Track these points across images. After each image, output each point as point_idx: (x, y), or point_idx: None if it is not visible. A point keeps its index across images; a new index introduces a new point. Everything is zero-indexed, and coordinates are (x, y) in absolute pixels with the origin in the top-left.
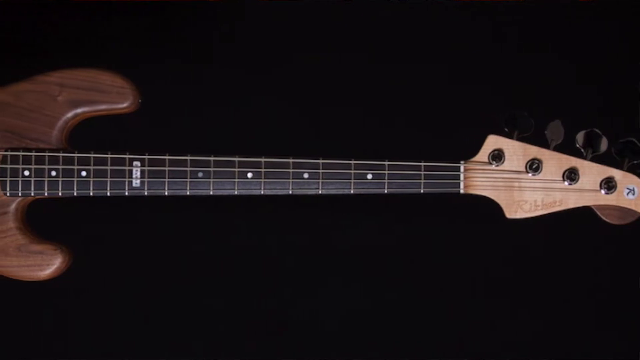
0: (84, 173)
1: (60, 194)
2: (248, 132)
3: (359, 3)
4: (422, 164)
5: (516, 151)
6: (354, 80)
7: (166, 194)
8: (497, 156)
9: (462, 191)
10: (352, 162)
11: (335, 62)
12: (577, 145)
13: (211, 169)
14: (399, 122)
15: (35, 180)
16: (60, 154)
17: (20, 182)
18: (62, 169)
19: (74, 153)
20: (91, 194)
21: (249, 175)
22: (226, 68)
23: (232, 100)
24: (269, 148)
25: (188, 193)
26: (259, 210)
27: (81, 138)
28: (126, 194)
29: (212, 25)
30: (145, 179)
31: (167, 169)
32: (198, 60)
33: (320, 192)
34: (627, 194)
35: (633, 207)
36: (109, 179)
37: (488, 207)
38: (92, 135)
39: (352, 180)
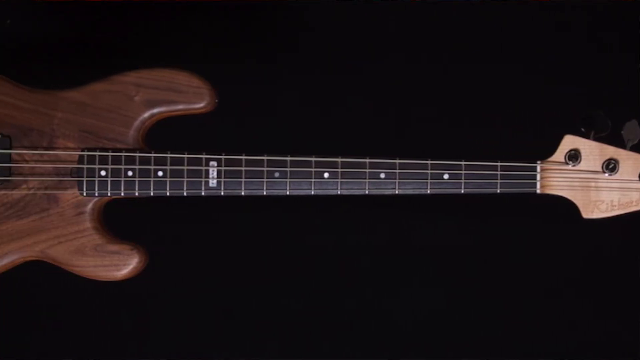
0: (160, 173)
1: (136, 194)
2: (324, 132)
3: (439, 3)
4: (499, 164)
5: (593, 151)
6: (429, 80)
7: (243, 194)
8: (574, 156)
9: (538, 191)
10: (429, 162)
11: (410, 62)
12: None
13: (288, 169)
14: (474, 122)
15: (111, 180)
16: (137, 154)
17: (96, 182)
18: (139, 169)
19: (150, 153)
20: (168, 194)
21: (326, 175)
22: (301, 68)
23: (308, 100)
24: (345, 148)
25: (265, 193)
26: (336, 210)
27: (158, 138)
28: (203, 194)
29: (288, 26)
30: (222, 179)
31: (243, 169)
32: (273, 60)
33: (396, 192)
34: None
35: None
36: (185, 179)
37: (564, 207)
38: (168, 135)
39: (429, 180)
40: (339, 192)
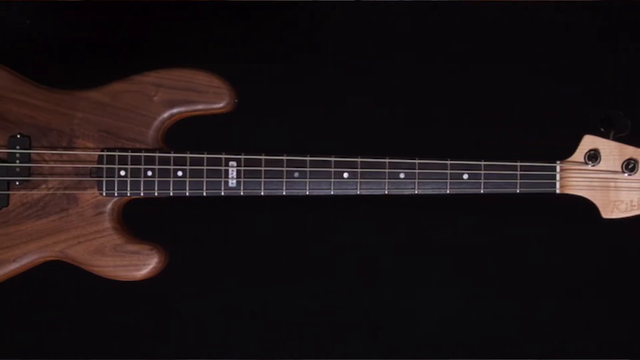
0: (180, 173)
1: (156, 194)
2: (344, 131)
3: (454, 4)
4: (518, 164)
5: (612, 151)
6: (447, 80)
7: (262, 194)
8: (593, 156)
9: (558, 191)
10: (448, 162)
11: (426, 62)
12: None
13: (307, 169)
14: (493, 122)
15: (131, 180)
16: (157, 154)
17: (116, 182)
18: (158, 169)
19: (170, 153)
20: (187, 194)
21: (345, 175)
22: (321, 68)
23: (328, 100)
24: (365, 148)
25: (284, 193)
26: (355, 210)
27: (177, 138)
28: (222, 194)
29: (306, 25)
30: (242, 179)
31: (263, 168)
32: (293, 60)
33: (416, 192)
34: None
35: None
36: (205, 179)
37: (584, 207)
38: (187, 135)
39: (448, 180)
40: (358, 192)
